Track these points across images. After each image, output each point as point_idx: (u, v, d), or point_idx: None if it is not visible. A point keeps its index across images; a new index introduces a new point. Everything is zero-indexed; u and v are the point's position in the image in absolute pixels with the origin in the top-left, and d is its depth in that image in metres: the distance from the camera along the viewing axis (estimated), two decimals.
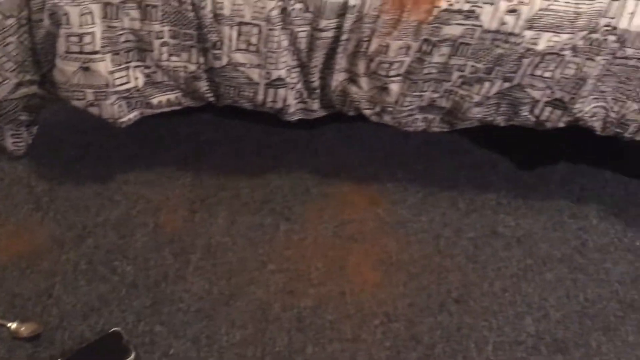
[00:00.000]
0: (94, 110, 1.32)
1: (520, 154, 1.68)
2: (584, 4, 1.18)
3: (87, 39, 1.21)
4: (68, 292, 1.34)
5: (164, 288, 1.37)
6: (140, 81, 1.32)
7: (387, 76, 1.30)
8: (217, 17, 1.21)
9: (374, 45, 1.25)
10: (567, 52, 1.24)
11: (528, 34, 1.21)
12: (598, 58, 1.25)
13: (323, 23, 1.22)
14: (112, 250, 1.43)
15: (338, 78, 1.33)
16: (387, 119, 1.41)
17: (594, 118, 1.37)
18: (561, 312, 1.41)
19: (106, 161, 1.59)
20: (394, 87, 1.33)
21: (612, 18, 1.20)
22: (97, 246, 1.44)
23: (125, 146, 1.62)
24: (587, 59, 1.25)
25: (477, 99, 1.34)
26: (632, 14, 1.19)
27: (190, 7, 1.20)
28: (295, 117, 1.43)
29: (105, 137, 1.62)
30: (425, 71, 1.29)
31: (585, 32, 1.21)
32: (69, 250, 1.42)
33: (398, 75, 1.30)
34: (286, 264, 1.45)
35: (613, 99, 1.34)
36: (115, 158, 1.60)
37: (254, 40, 1.24)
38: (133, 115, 1.37)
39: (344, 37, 1.24)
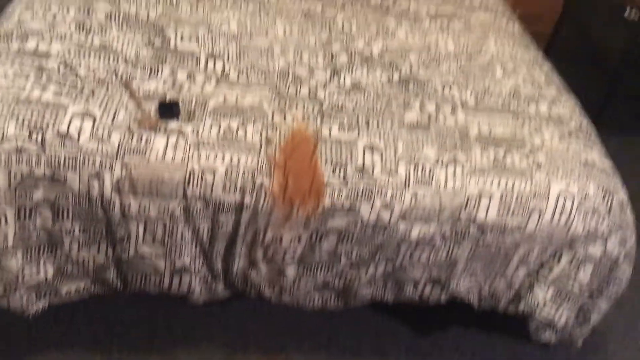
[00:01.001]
0: (2, 303, 1.37)
1: (416, 321, 1.81)
2: (446, 198, 1.38)
3: None
4: None
5: None
6: (50, 273, 1.40)
7: (283, 261, 1.44)
8: (124, 215, 1.33)
9: (269, 236, 1.39)
10: (437, 239, 1.42)
11: (402, 225, 1.38)
12: (464, 243, 1.43)
13: (222, 218, 1.36)
14: None
15: (239, 264, 1.45)
16: (286, 299, 1.52)
17: (470, 294, 1.54)
18: None
19: (15, 345, 1.60)
20: (290, 271, 1.46)
21: (472, 211, 1.39)
22: None
23: (35, 329, 1.63)
24: (455, 244, 1.43)
25: (365, 279, 1.48)
26: (487, 207, 1.40)
27: (99, 208, 1.31)
28: (202, 300, 1.52)
29: (13, 321, 1.63)
30: (317, 257, 1.44)
31: (450, 223, 1.40)
32: None
33: (293, 260, 1.44)
34: None
35: (484, 276, 1.51)
36: (23, 342, 1.61)
37: (159, 234, 1.36)
38: (41, 305, 1.43)
39: (242, 229, 1.38)
